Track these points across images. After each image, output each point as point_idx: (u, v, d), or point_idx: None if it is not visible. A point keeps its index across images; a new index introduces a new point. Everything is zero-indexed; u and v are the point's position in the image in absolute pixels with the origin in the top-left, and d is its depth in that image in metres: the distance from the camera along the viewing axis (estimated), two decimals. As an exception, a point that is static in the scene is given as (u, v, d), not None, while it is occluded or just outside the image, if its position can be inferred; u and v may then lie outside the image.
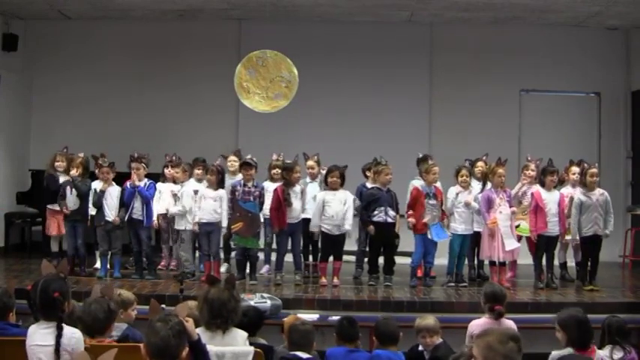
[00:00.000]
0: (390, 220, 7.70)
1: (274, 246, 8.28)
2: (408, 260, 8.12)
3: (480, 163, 8.19)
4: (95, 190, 7.99)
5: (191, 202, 7.89)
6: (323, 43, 10.36)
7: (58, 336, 3.60)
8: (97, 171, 8.10)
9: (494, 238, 7.53)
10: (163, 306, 5.04)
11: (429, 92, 10.63)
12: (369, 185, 8.04)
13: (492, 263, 7.72)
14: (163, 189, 8.31)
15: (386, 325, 4.75)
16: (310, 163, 8.35)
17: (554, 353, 4.29)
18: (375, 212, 7.68)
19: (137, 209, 7.88)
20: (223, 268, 8.31)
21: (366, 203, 7.77)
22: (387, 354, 4.53)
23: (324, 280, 7.72)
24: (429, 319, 4.96)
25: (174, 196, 8.19)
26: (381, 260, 7.95)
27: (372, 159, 8.12)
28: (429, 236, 7.64)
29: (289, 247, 8.00)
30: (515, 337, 2.99)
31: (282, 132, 9.76)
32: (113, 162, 8.08)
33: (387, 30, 10.45)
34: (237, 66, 8.05)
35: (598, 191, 7.61)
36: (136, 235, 7.94)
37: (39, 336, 3.64)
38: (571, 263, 8.36)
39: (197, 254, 8.26)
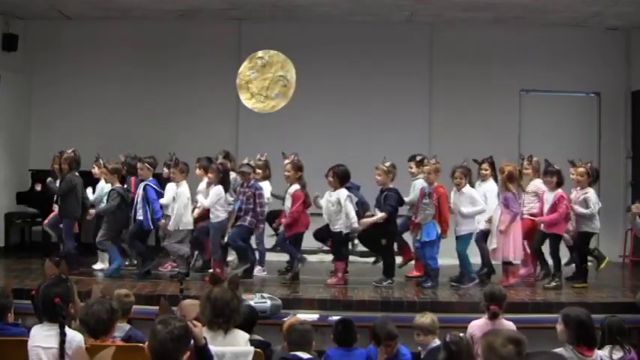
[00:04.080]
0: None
1: (268, 246, 8.31)
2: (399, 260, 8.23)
3: (484, 165, 8.17)
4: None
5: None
6: (323, 43, 10.35)
7: (62, 342, 3.59)
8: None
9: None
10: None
11: (428, 92, 10.62)
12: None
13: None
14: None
15: (382, 324, 4.77)
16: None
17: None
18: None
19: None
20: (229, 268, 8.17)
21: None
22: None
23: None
24: (425, 318, 4.92)
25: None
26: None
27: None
28: (418, 236, 7.70)
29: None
30: (516, 340, 2.98)
31: (282, 132, 9.74)
32: (125, 163, 8.20)
33: (387, 30, 10.45)
34: (237, 66, 8.06)
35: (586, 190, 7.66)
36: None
37: (41, 337, 3.64)
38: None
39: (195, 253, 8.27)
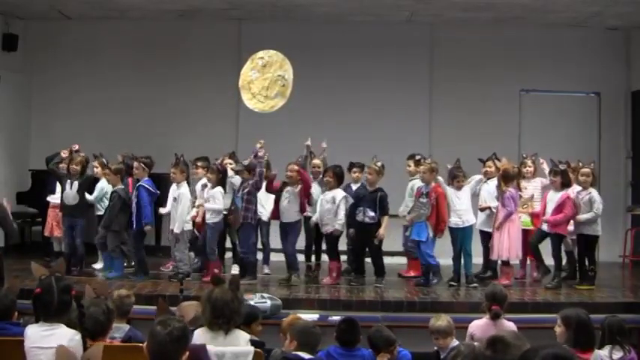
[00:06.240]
0: (367, 220, 7.64)
1: (273, 246, 8.31)
2: (395, 260, 8.31)
3: (489, 163, 8.18)
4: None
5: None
6: (323, 43, 10.35)
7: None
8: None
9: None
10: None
11: (428, 92, 10.63)
12: (353, 186, 8.11)
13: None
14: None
15: (378, 332, 4.74)
16: (316, 162, 8.36)
17: None
18: (356, 212, 7.69)
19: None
20: (235, 270, 8.10)
21: (353, 203, 7.77)
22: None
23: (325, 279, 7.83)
24: (442, 321, 4.90)
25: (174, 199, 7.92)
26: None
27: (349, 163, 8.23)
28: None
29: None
30: (492, 342, 2.96)
31: (282, 132, 9.72)
32: (124, 163, 8.12)
33: (387, 30, 10.45)
34: (237, 66, 8.06)
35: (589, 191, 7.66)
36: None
37: (39, 338, 3.60)
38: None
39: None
